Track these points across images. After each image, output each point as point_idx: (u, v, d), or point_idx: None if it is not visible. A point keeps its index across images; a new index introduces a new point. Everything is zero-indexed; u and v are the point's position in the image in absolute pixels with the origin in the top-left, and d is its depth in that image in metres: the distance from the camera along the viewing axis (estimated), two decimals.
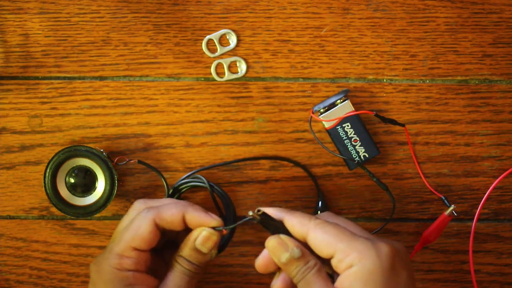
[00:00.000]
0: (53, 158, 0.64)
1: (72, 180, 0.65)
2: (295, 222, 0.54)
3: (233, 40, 0.67)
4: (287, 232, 0.54)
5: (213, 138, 0.67)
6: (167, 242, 0.59)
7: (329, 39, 0.67)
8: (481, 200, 0.66)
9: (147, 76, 0.67)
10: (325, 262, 0.54)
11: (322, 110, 0.65)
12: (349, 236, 0.52)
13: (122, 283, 0.54)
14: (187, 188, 0.66)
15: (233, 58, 0.67)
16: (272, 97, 0.67)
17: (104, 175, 0.64)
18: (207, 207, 0.58)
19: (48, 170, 0.64)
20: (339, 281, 0.52)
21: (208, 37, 0.67)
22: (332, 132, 0.65)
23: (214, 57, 0.67)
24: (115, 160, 0.65)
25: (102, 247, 0.67)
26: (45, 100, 0.67)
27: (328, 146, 0.66)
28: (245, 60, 0.67)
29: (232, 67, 0.67)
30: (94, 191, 0.65)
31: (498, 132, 0.67)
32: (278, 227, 0.54)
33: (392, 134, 0.67)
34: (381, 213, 0.67)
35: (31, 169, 0.67)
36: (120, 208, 0.67)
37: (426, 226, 0.66)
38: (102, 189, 0.64)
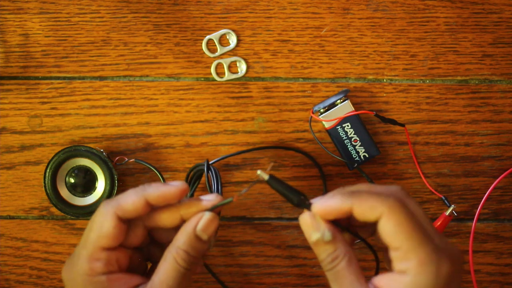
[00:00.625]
0: (53, 158, 0.64)
1: (72, 180, 0.65)
2: (366, 208, 0.48)
3: (233, 40, 0.67)
4: (295, 192, 0.51)
5: (213, 138, 0.67)
6: (153, 239, 0.55)
7: (329, 39, 0.67)
8: (481, 200, 0.66)
9: (147, 76, 0.67)
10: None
11: (322, 110, 0.64)
12: (419, 238, 0.47)
13: None
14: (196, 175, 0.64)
15: (233, 58, 0.67)
16: (272, 97, 0.67)
17: (104, 175, 0.64)
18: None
19: (48, 170, 0.64)
20: (383, 281, 0.48)
21: (208, 37, 0.67)
22: (332, 132, 0.65)
23: (214, 57, 0.67)
24: (115, 160, 0.65)
25: None
26: (45, 100, 0.67)
27: (328, 146, 0.66)
28: (245, 60, 0.67)
29: (232, 67, 0.67)
30: (94, 191, 0.65)
31: (498, 132, 0.67)
32: (286, 188, 0.51)
33: (392, 134, 0.67)
34: None
35: (31, 169, 0.67)
36: None
37: None
38: (102, 189, 0.64)
